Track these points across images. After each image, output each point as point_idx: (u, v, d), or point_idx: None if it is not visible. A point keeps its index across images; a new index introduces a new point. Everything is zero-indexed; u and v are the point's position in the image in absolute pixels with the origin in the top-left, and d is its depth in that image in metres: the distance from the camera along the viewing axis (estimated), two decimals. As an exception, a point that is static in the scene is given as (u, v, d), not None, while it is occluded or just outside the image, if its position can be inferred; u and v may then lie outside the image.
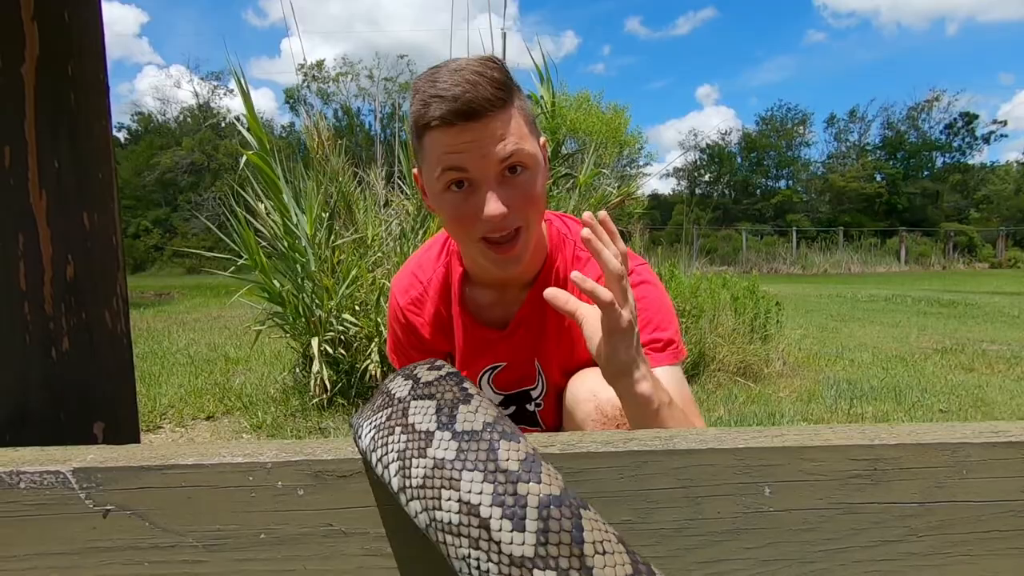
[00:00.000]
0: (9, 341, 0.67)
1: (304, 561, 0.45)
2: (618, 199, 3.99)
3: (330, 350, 3.13)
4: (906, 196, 37.01)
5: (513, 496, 0.37)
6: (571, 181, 3.78)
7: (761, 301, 4.14)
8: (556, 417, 1.03)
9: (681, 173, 42.60)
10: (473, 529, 0.37)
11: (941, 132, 40.89)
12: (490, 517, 0.37)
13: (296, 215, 3.21)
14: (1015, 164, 39.75)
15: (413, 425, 0.43)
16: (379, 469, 0.43)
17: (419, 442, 0.41)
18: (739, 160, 42.81)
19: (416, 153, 0.87)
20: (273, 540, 0.44)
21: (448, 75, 0.77)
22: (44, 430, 0.68)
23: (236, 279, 3.53)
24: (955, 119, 40.28)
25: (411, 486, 0.41)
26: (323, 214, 3.30)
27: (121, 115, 40.56)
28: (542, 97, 3.68)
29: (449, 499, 0.38)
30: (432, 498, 0.39)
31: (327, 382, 3.05)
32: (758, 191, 41.52)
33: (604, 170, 4.44)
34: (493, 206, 0.79)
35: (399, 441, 0.43)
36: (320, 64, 35.77)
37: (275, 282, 3.26)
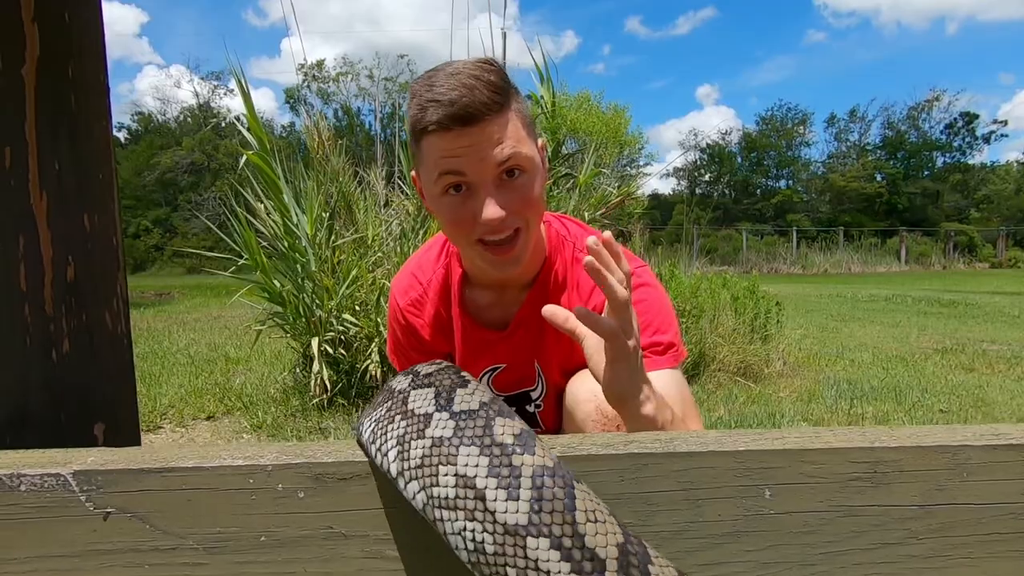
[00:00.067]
0: (9, 342, 0.67)
1: (304, 564, 0.45)
2: (618, 199, 3.98)
3: (330, 350, 3.14)
4: (906, 196, 37.00)
5: (508, 468, 0.38)
6: (571, 181, 3.78)
7: (761, 301, 4.14)
8: (556, 418, 1.03)
9: (681, 173, 42.66)
10: (469, 501, 0.38)
11: (941, 132, 40.95)
12: (485, 488, 0.38)
13: (296, 215, 3.21)
14: (1015, 164, 39.77)
15: (412, 410, 0.44)
16: (379, 459, 0.44)
17: (418, 424, 0.43)
18: (739, 160, 42.81)
19: (414, 156, 0.87)
20: (273, 543, 0.44)
21: (445, 79, 0.77)
22: (44, 431, 0.68)
23: (236, 279, 3.53)
24: (955, 119, 40.31)
25: (409, 467, 0.41)
26: (323, 214, 3.30)
27: (121, 115, 40.62)
28: (542, 97, 3.68)
29: (446, 474, 0.39)
30: (430, 475, 0.40)
31: (327, 382, 3.05)
32: (758, 191, 41.51)
33: (604, 170, 4.44)
34: (491, 210, 0.79)
35: (398, 427, 0.44)
36: (320, 64, 35.78)
37: (275, 282, 3.26)
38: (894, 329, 6.06)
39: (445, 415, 0.42)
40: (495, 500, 0.37)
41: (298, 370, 3.43)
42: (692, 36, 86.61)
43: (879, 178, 38.55)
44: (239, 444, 0.47)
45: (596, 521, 0.36)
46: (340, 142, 3.69)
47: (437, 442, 0.41)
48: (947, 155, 40.71)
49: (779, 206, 37.38)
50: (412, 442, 0.42)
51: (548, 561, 0.35)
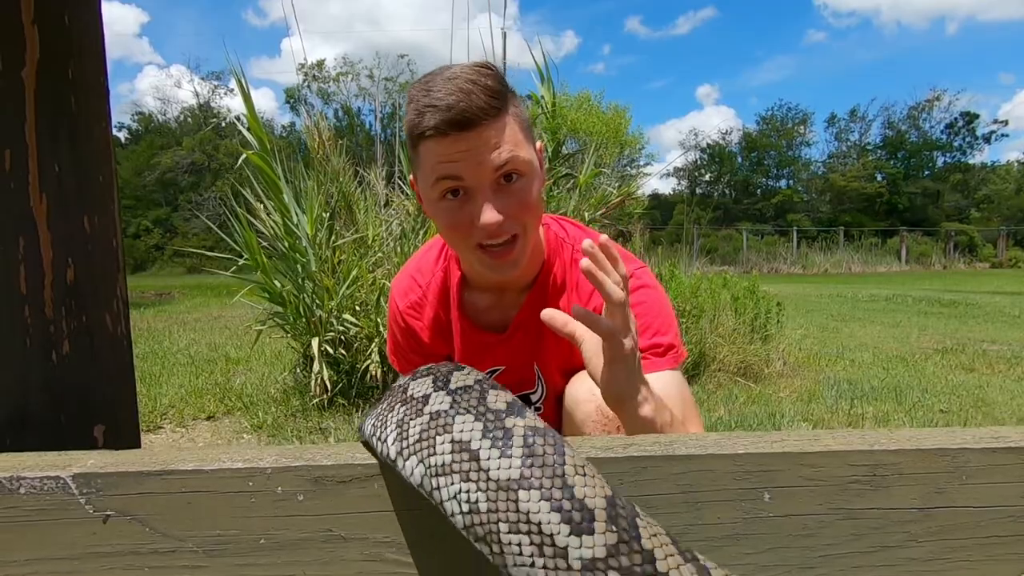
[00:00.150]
0: (10, 344, 0.67)
1: (304, 566, 0.45)
2: (618, 199, 3.98)
3: (330, 350, 3.14)
4: (907, 196, 36.99)
5: (501, 429, 0.40)
6: (571, 181, 3.78)
7: (761, 301, 4.14)
8: (556, 420, 1.03)
9: (681, 173, 42.66)
10: (464, 463, 0.40)
11: (942, 132, 40.93)
12: (479, 449, 0.40)
13: (297, 215, 3.21)
14: (1016, 164, 39.76)
15: (412, 396, 0.46)
16: (380, 448, 0.45)
17: (416, 406, 0.45)
18: (739, 160, 42.79)
19: (412, 161, 0.87)
20: (273, 545, 0.44)
21: (442, 84, 0.77)
22: (44, 433, 0.69)
23: (237, 279, 3.53)
24: (956, 119, 40.29)
25: (408, 444, 0.43)
26: (324, 214, 3.30)
27: (121, 115, 40.64)
28: (543, 97, 3.68)
29: (443, 442, 0.41)
30: (427, 447, 0.42)
31: (327, 382, 3.05)
32: (759, 191, 41.50)
33: (604, 170, 4.44)
34: (489, 214, 0.79)
35: (397, 414, 0.46)
36: (320, 64, 35.79)
37: (276, 282, 3.26)
38: (894, 329, 6.05)
39: (443, 393, 0.44)
40: (488, 459, 0.39)
41: (298, 370, 3.43)
42: (692, 36, 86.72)
43: (879, 178, 38.54)
44: (239, 447, 0.47)
45: (585, 475, 0.38)
46: (340, 142, 3.69)
47: (434, 416, 0.43)
48: (947, 155, 40.73)
49: (779, 206, 37.37)
50: (411, 422, 0.44)
51: (539, 512, 0.36)
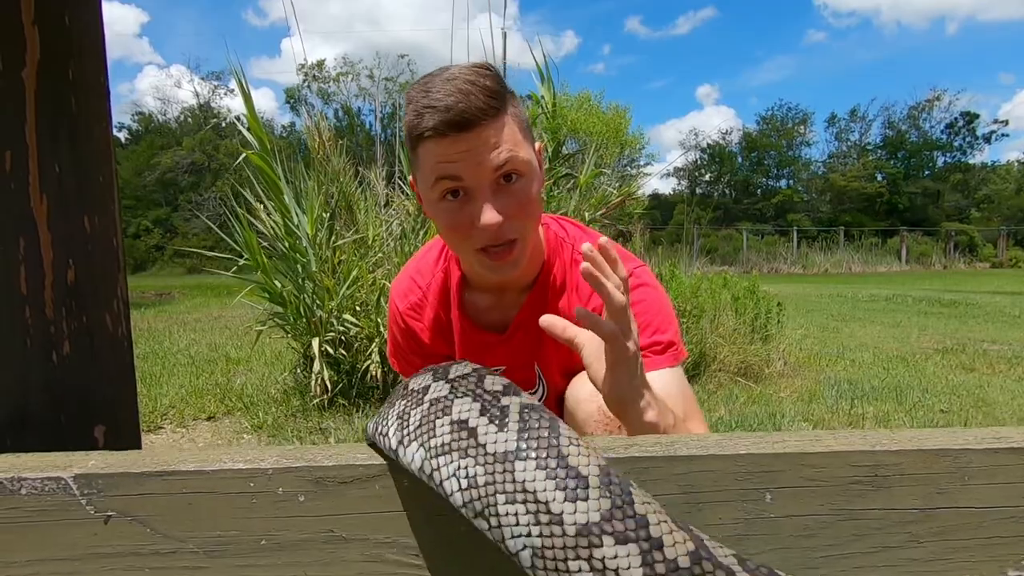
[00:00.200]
0: (10, 345, 0.67)
1: (305, 567, 0.45)
2: (619, 199, 3.99)
3: (331, 350, 3.14)
4: (907, 196, 36.98)
5: (498, 408, 0.42)
6: (572, 181, 3.78)
7: (762, 301, 4.14)
8: (557, 420, 1.03)
9: (682, 173, 42.63)
10: (462, 441, 0.41)
11: (942, 132, 40.91)
12: (476, 426, 0.41)
13: (297, 215, 3.21)
14: (1016, 164, 39.76)
15: (412, 390, 0.47)
16: (383, 443, 0.46)
17: (417, 396, 0.46)
18: (740, 160, 42.77)
19: (411, 161, 0.87)
20: (274, 546, 0.44)
21: (441, 84, 0.77)
22: (45, 433, 0.69)
23: (237, 279, 3.53)
24: (956, 119, 40.28)
25: (408, 432, 0.44)
26: (324, 214, 3.30)
27: (121, 115, 40.63)
28: (543, 97, 3.68)
29: (443, 424, 0.42)
30: (427, 431, 0.43)
31: (328, 382, 3.05)
32: (759, 191, 41.49)
33: (605, 170, 4.44)
34: (489, 215, 0.79)
35: (398, 408, 0.47)
36: (320, 64, 35.78)
37: (276, 282, 3.26)
38: (895, 329, 6.05)
39: (442, 382, 0.45)
40: (485, 435, 0.40)
41: (299, 370, 3.43)
42: (692, 36, 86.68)
43: (880, 178, 38.53)
44: (239, 448, 0.47)
45: (579, 446, 0.39)
46: (340, 142, 3.69)
47: (434, 402, 0.44)
48: (948, 155, 40.72)
49: (779, 206, 37.36)
50: (411, 412, 0.45)
51: (535, 481, 0.37)
